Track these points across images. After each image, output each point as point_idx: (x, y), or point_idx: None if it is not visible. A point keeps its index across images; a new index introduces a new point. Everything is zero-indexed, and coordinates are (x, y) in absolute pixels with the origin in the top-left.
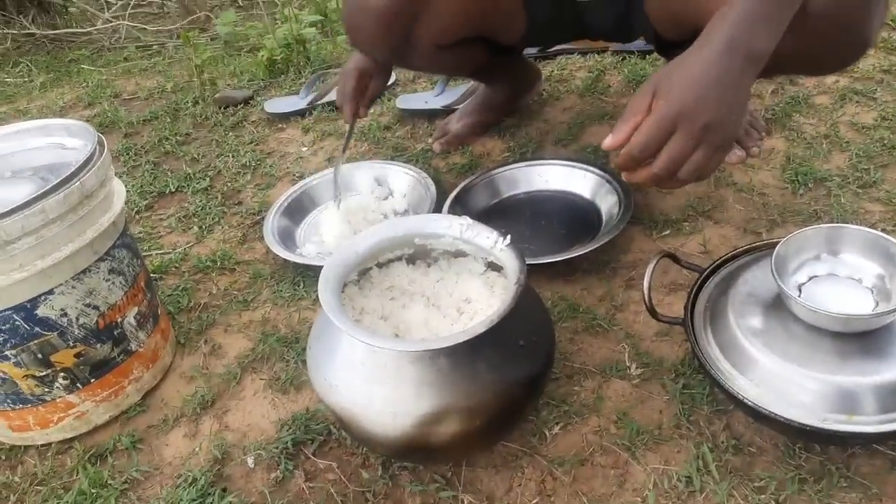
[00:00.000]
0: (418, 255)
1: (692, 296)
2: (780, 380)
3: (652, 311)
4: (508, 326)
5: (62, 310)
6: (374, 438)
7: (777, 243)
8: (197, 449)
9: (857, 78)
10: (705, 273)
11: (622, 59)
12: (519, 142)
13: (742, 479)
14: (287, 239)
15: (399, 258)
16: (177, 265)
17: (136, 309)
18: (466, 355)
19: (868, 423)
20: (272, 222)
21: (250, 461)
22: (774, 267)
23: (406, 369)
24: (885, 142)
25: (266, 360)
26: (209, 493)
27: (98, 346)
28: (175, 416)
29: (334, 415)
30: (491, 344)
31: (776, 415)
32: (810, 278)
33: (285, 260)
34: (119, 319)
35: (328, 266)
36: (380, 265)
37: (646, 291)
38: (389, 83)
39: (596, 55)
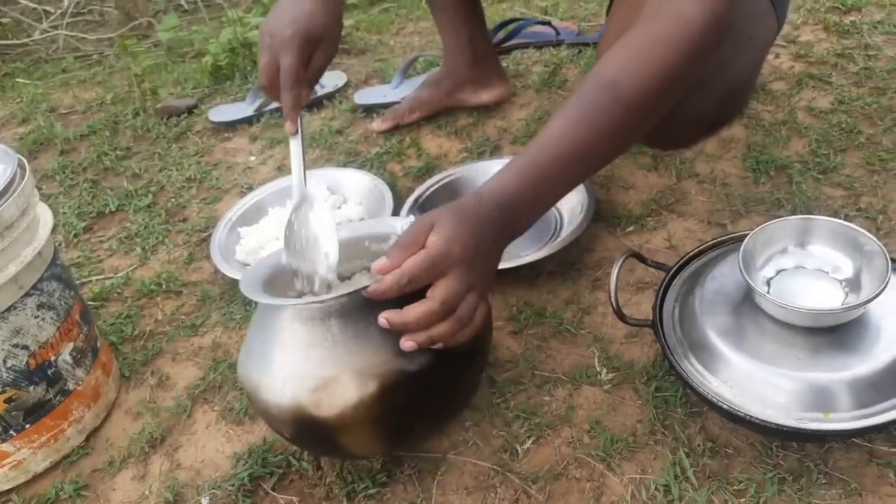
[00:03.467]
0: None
1: (659, 296)
2: (754, 380)
3: (619, 314)
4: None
5: None
6: (269, 411)
7: (742, 237)
8: (147, 492)
9: (812, 62)
10: (672, 271)
11: (578, 52)
12: (476, 142)
13: (721, 484)
14: (233, 256)
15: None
16: (119, 291)
17: (71, 345)
18: (358, 317)
19: (844, 420)
20: (219, 238)
21: (205, 502)
22: (742, 262)
23: (298, 331)
24: (843, 126)
25: (218, 389)
26: None
27: (31, 388)
28: (122, 456)
29: (246, 392)
30: (385, 306)
31: (752, 417)
32: (778, 272)
33: (234, 280)
34: (52, 358)
35: (263, 259)
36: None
37: (612, 294)
38: (340, 85)
39: (552, 48)
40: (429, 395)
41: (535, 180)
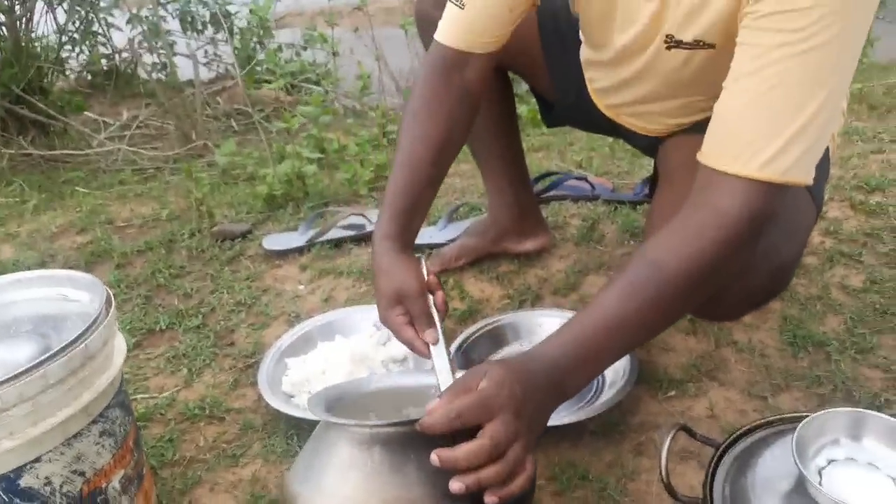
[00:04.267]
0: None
1: (709, 473)
2: None
3: (670, 490)
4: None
5: (47, 478)
6: None
7: (791, 419)
8: None
9: (842, 240)
10: (721, 448)
11: (614, 209)
12: (518, 289)
13: None
14: (279, 386)
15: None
16: (162, 412)
17: (122, 472)
18: (400, 449)
19: None
20: (267, 367)
21: None
22: (796, 451)
23: (342, 452)
24: (877, 306)
25: None
26: None
27: None
28: None
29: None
30: (432, 443)
31: None
32: (829, 462)
33: (278, 410)
34: (104, 485)
35: (331, 387)
36: None
37: (663, 468)
38: None
39: (588, 203)
40: None
41: (581, 345)
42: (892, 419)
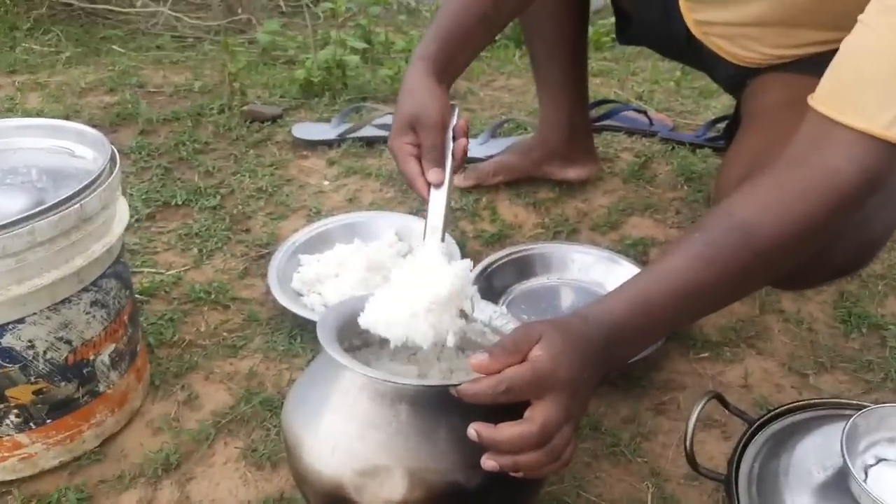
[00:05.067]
0: None
1: (738, 452)
2: None
3: (692, 462)
4: None
5: (30, 341)
6: (305, 474)
7: (839, 404)
8: None
9: None
10: (755, 425)
11: (671, 149)
12: (554, 219)
13: None
14: (289, 283)
15: None
16: (167, 290)
17: (112, 346)
18: (431, 411)
19: None
20: (279, 261)
21: None
22: (845, 442)
23: (364, 404)
24: None
25: (245, 423)
26: None
27: (62, 384)
28: (133, 473)
29: (285, 442)
30: (467, 408)
31: None
32: (878, 461)
33: (285, 307)
34: (92, 357)
35: (343, 302)
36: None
37: (688, 438)
38: None
39: (644, 138)
40: None
41: (644, 313)
42: None
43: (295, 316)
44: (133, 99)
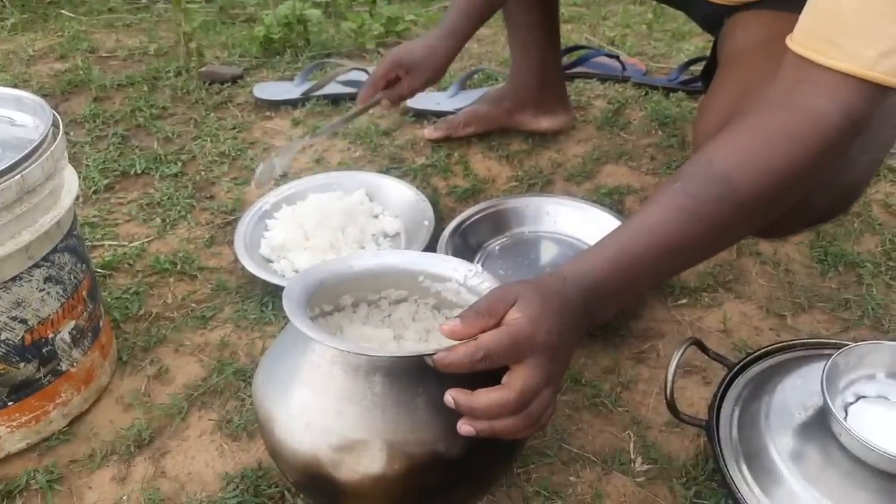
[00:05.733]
0: (412, 295)
1: (718, 396)
2: None
3: (673, 409)
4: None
5: None
6: (279, 451)
7: (815, 344)
8: (125, 497)
9: (893, 153)
10: (735, 369)
11: (645, 94)
12: (528, 171)
13: None
14: (257, 249)
15: (401, 300)
16: (130, 262)
17: (72, 323)
18: (407, 381)
19: None
20: (245, 227)
21: None
22: (826, 382)
23: (337, 377)
24: None
25: (219, 394)
26: None
27: (21, 365)
28: (104, 451)
29: (257, 417)
30: (443, 376)
31: None
32: (858, 398)
33: (253, 275)
34: (50, 335)
35: (311, 269)
36: (375, 302)
37: (668, 385)
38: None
39: (616, 84)
40: (458, 481)
41: (625, 268)
42: None
43: (265, 283)
44: (85, 65)
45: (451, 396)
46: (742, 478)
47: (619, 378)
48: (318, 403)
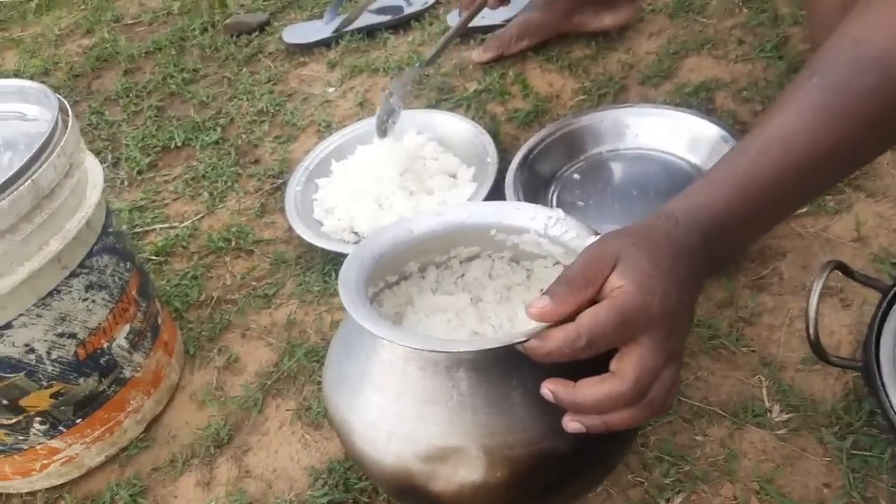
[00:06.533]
0: (484, 250)
1: (876, 329)
2: None
3: (819, 352)
4: None
5: (27, 345)
6: (364, 462)
7: None
8: (212, 503)
9: None
10: (891, 294)
11: None
12: (596, 80)
13: None
14: (311, 213)
15: (473, 257)
16: (184, 244)
17: (127, 327)
18: (497, 374)
19: None
20: (294, 191)
21: None
22: None
23: (413, 376)
24: None
25: (293, 379)
26: None
27: (81, 380)
28: (185, 455)
29: (333, 425)
30: (540, 365)
31: None
32: None
33: (312, 244)
34: (105, 345)
35: (366, 242)
36: (444, 264)
37: (811, 325)
38: (430, 2)
39: None
40: (571, 478)
41: (753, 196)
42: None
43: (324, 251)
44: (112, 37)
45: (548, 389)
46: None
47: (739, 312)
48: (397, 408)
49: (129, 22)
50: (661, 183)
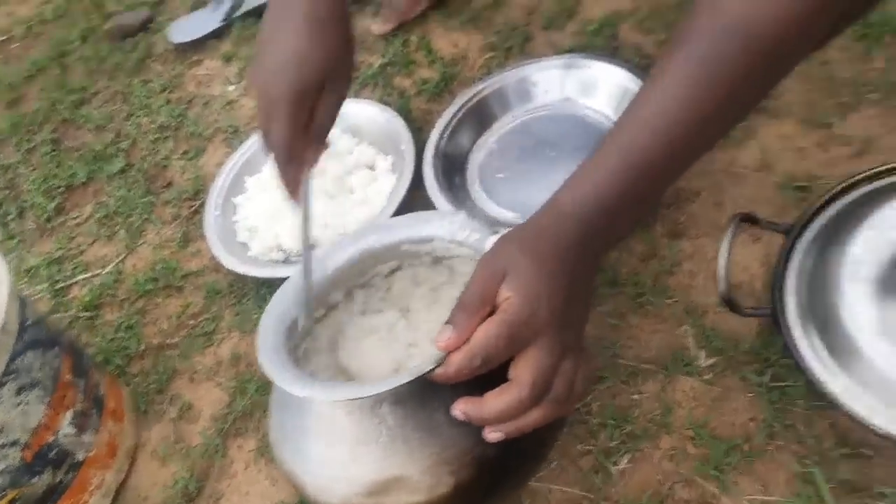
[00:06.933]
0: (403, 262)
1: (779, 276)
2: (890, 382)
3: (732, 305)
4: None
5: None
6: None
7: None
8: None
9: None
10: (792, 239)
11: None
12: (500, 32)
13: (861, 499)
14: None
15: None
16: (111, 291)
17: (69, 413)
18: (418, 402)
19: None
20: (212, 216)
21: None
22: None
23: (342, 421)
24: None
25: (250, 416)
26: None
27: (35, 480)
28: None
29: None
30: (458, 385)
31: (884, 431)
32: None
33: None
34: (51, 439)
35: (279, 295)
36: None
37: (721, 278)
38: None
39: None
40: (514, 470)
41: (633, 179)
42: None
43: (255, 278)
44: None
45: (459, 410)
46: (816, 356)
47: (661, 263)
48: (335, 454)
49: (1, 39)
50: (577, 139)
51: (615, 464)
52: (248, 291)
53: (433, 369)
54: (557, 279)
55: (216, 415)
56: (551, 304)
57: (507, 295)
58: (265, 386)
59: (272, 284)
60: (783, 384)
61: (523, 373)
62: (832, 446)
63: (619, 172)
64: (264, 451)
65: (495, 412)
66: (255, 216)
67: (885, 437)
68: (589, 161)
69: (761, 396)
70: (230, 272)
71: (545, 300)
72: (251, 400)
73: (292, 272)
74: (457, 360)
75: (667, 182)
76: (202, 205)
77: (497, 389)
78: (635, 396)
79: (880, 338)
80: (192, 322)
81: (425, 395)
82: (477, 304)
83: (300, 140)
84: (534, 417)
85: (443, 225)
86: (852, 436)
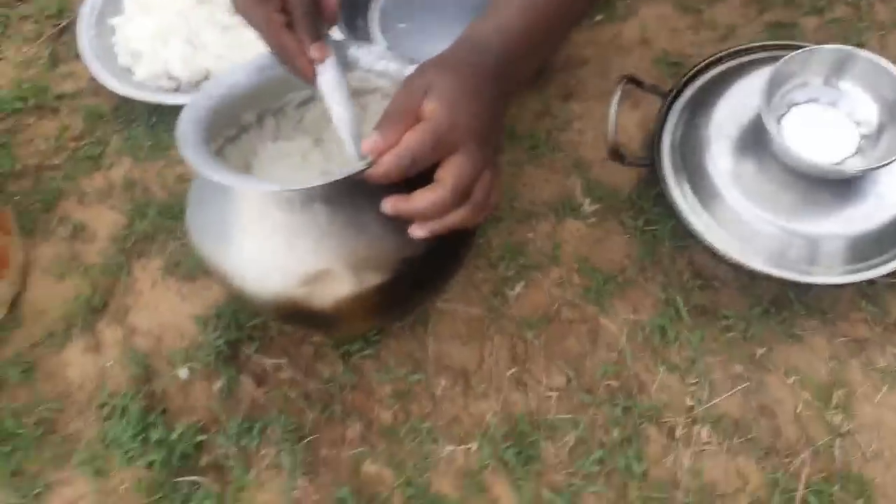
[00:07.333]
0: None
1: (658, 131)
2: (743, 222)
3: (616, 156)
4: None
5: None
6: (248, 298)
7: (743, 50)
8: (108, 364)
9: None
10: (670, 98)
11: None
12: None
13: (710, 320)
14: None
15: (308, 100)
16: None
17: None
18: (349, 202)
19: (830, 274)
20: (87, 37)
21: (183, 373)
22: (766, 92)
23: (273, 217)
24: None
25: (152, 239)
26: (151, 424)
27: None
28: (62, 327)
29: (208, 270)
30: (386, 187)
31: (736, 261)
32: (790, 107)
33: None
34: None
35: (196, 98)
36: (280, 110)
37: (611, 133)
38: None
39: None
40: (433, 273)
41: (533, 16)
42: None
43: (144, 102)
44: None
45: (388, 205)
46: (685, 201)
47: (553, 122)
48: (266, 246)
49: None
50: None
51: (511, 289)
52: (136, 117)
53: (365, 169)
54: (477, 98)
55: (116, 235)
56: (473, 116)
57: (432, 106)
58: (167, 208)
59: (163, 112)
60: (653, 228)
61: (448, 175)
62: (689, 278)
63: (520, 9)
64: (172, 270)
65: (421, 207)
66: (137, 39)
67: (736, 267)
68: (491, 5)
69: (635, 238)
70: (115, 95)
71: (467, 112)
72: (152, 223)
73: (188, 100)
74: (387, 159)
75: (563, 24)
76: (70, 24)
77: (425, 188)
78: (529, 235)
79: (735, 185)
80: (73, 144)
81: (355, 196)
82: (400, 114)
83: (308, 20)
84: (455, 217)
85: (361, 56)
86: (706, 271)
